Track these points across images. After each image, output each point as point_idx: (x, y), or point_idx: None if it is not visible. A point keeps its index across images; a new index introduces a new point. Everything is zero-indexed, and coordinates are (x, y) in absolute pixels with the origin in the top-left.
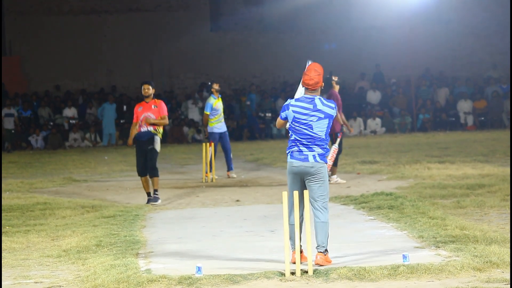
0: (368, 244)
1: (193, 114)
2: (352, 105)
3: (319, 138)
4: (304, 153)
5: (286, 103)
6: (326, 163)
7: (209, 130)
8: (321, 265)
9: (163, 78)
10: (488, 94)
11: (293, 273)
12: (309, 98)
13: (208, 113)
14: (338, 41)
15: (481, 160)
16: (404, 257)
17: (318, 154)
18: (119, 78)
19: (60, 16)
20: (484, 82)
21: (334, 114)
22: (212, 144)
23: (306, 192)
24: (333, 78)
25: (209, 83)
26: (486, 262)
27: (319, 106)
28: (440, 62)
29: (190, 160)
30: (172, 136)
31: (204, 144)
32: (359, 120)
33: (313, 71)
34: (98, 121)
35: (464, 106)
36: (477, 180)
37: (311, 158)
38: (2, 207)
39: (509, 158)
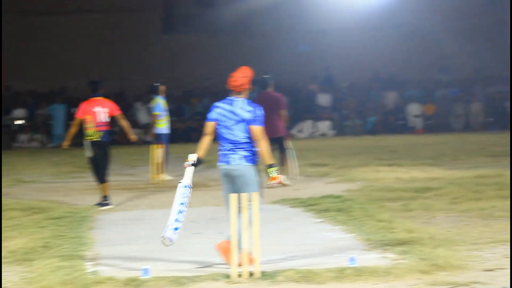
0: (315, 247)
1: (142, 115)
2: (302, 108)
3: (241, 141)
4: (229, 155)
5: (213, 105)
6: (254, 164)
7: (157, 131)
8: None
9: (114, 80)
10: (437, 98)
11: (240, 275)
12: (232, 100)
13: (158, 113)
14: (290, 44)
15: (429, 164)
16: (351, 259)
17: (243, 156)
18: (69, 79)
19: (11, 16)
20: (434, 85)
21: (251, 118)
22: (163, 145)
23: (243, 194)
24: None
25: (156, 85)
26: (433, 265)
27: (237, 109)
28: (391, 65)
29: (139, 161)
30: (123, 137)
31: (152, 145)
32: (309, 122)
33: (240, 73)
34: (47, 122)
35: (413, 109)
36: (425, 183)
37: (235, 161)
38: None
39: (456, 162)
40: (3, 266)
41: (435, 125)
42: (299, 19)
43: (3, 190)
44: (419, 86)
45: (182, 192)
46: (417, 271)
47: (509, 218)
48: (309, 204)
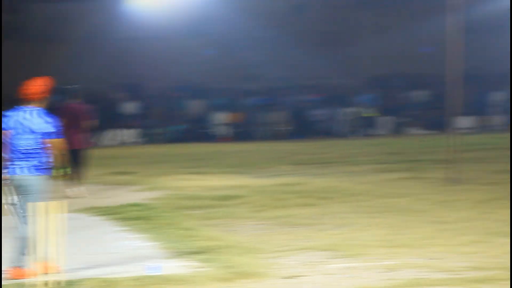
0: (119, 255)
1: None
2: (109, 116)
3: (32, 151)
4: (18, 165)
5: (6, 113)
6: (44, 174)
7: None
8: (15, 278)
9: None
10: (244, 106)
11: (46, 284)
12: (26, 110)
13: None
14: (95, 52)
15: (235, 172)
16: (154, 268)
17: (32, 166)
18: None
19: None
20: (241, 94)
21: (45, 129)
22: None
23: (34, 204)
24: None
25: None
26: (235, 273)
27: (30, 118)
28: (198, 74)
29: None
30: None
31: None
32: (117, 131)
33: (35, 82)
34: None
35: (220, 117)
36: (229, 191)
37: (25, 171)
38: None
39: (260, 170)
40: None
41: (242, 133)
42: (110, 27)
43: None
44: (226, 94)
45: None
46: (219, 279)
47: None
48: (114, 213)
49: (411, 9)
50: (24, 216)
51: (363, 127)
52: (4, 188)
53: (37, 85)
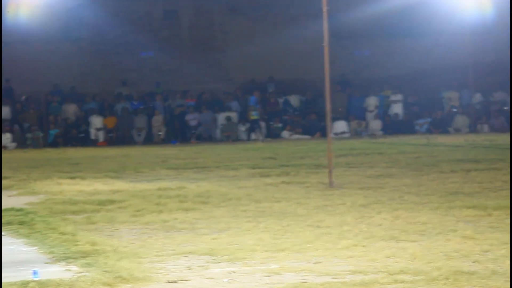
0: None
1: None
2: None
3: None
4: None
5: None
6: None
7: None
8: None
9: None
10: (118, 111)
11: None
12: None
13: None
14: None
15: (112, 176)
16: (35, 273)
17: None
18: None
19: None
20: (114, 98)
21: None
22: None
23: None
24: None
25: None
26: (116, 277)
27: None
28: (71, 78)
29: None
30: None
31: None
32: None
33: None
34: None
35: (95, 122)
36: (108, 195)
37: None
38: None
39: (138, 174)
40: None
41: (117, 138)
42: None
43: None
44: (99, 99)
45: None
46: (101, 284)
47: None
48: None
49: (283, 15)
50: None
51: (248, 131)
52: None
53: None
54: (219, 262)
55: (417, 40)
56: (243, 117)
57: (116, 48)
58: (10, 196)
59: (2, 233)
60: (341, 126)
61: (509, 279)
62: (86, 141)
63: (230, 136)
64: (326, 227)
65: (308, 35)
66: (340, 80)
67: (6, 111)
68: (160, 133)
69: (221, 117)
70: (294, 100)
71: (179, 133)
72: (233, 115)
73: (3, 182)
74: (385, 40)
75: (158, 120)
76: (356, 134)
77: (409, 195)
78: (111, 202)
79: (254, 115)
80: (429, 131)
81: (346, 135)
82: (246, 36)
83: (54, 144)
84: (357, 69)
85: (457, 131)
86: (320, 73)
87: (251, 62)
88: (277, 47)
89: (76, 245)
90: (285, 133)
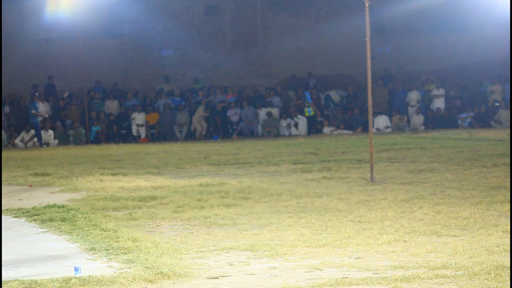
0: (40, 257)
1: None
2: (24, 118)
3: None
4: None
5: None
6: None
7: None
8: None
9: None
10: (160, 107)
11: None
12: None
13: None
14: (9, 53)
15: (154, 172)
16: (76, 269)
17: None
18: None
19: None
20: (156, 95)
21: None
22: None
23: None
24: None
25: None
26: (157, 274)
27: None
28: (113, 74)
29: None
30: None
31: None
32: (32, 131)
33: None
34: None
35: (137, 118)
36: (149, 192)
37: None
38: None
39: (180, 170)
40: None
41: (159, 134)
42: (22, 28)
43: None
44: (141, 95)
45: None
46: (142, 280)
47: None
48: (33, 214)
49: (325, 9)
50: None
51: (304, 127)
52: None
53: None
54: (260, 258)
55: (459, 34)
56: (285, 112)
57: (158, 44)
58: (52, 192)
59: (45, 230)
60: (383, 121)
61: (430, 278)
62: (128, 137)
63: (271, 132)
64: (367, 222)
65: (349, 30)
66: (382, 74)
67: (48, 107)
68: (202, 129)
69: (262, 113)
70: (335, 95)
71: (220, 129)
72: (275, 111)
73: (46, 178)
74: (428, 35)
75: (200, 116)
76: (398, 129)
77: (451, 190)
78: (153, 198)
79: (309, 112)
80: (471, 126)
81: (388, 130)
82: (288, 31)
83: (96, 140)
84: (399, 63)
85: (500, 125)
86: (362, 68)
87: (292, 57)
88: (318, 42)
89: (117, 241)
90: (326, 129)
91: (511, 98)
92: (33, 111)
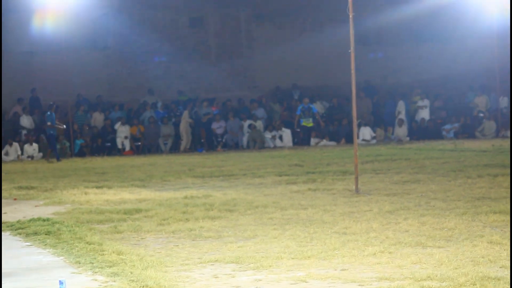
0: (25, 270)
1: None
2: (8, 131)
3: None
4: None
5: None
6: None
7: None
8: None
9: None
10: (145, 119)
11: None
12: None
13: None
14: None
15: (138, 185)
16: (61, 283)
17: None
18: None
19: None
20: (140, 107)
21: None
22: None
23: None
24: None
25: None
26: (142, 287)
27: None
28: (97, 87)
29: None
30: None
31: None
32: (16, 145)
33: None
34: None
35: (122, 131)
36: (134, 205)
37: None
38: None
39: (165, 183)
40: None
41: (144, 146)
42: (5, 41)
43: None
44: (125, 107)
45: None
46: None
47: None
48: (18, 228)
49: (310, 21)
50: None
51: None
52: None
53: None
54: (245, 270)
55: (444, 45)
56: (269, 124)
57: (142, 57)
58: (37, 206)
59: (30, 243)
60: (367, 132)
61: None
62: (112, 150)
63: (256, 144)
64: (352, 234)
65: (334, 41)
66: (365, 86)
67: (31, 121)
68: (185, 141)
69: (247, 125)
70: (319, 106)
71: (205, 141)
72: (258, 123)
73: (30, 192)
74: (412, 45)
75: (184, 128)
76: (382, 140)
77: (436, 201)
78: (138, 211)
79: (313, 122)
80: (456, 136)
81: (373, 141)
82: (272, 43)
83: (80, 153)
84: (383, 74)
85: (484, 136)
86: (346, 79)
87: (277, 68)
88: (302, 53)
89: (102, 254)
90: (311, 140)
91: (511, 106)
92: (49, 123)
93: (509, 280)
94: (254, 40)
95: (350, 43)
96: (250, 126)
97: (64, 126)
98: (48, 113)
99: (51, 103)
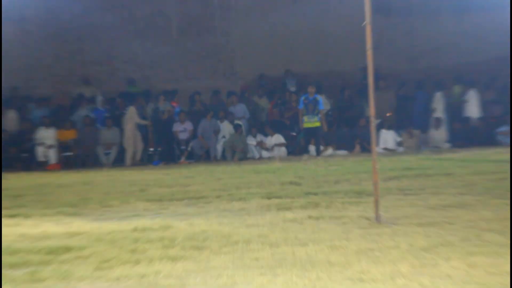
0: None
1: None
2: None
3: None
4: None
5: None
6: None
7: None
8: None
9: None
10: (78, 120)
11: None
12: None
13: None
14: None
15: (68, 213)
16: None
17: None
18: None
19: None
20: (72, 103)
21: None
22: None
23: None
24: None
25: None
26: None
27: None
28: (11, 75)
29: None
30: None
31: None
32: None
33: None
34: None
35: (45, 136)
36: (62, 241)
37: None
38: None
39: (106, 209)
40: None
41: (77, 158)
42: None
43: None
44: (51, 103)
45: None
46: None
47: None
48: None
49: None
50: None
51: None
52: None
53: None
54: None
55: (497, 13)
56: (253, 126)
57: (75, 33)
58: None
59: None
60: (390, 137)
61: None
62: (31, 163)
63: (235, 154)
64: (371, 280)
65: (342, 10)
66: (386, 72)
67: None
68: (138, 149)
69: (224, 127)
70: (324, 101)
71: (163, 149)
72: (240, 124)
73: None
74: (452, 15)
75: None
76: (412, 147)
77: (490, 234)
78: (67, 250)
79: (312, 121)
80: None
81: (398, 149)
82: (257, 13)
83: None
84: (412, 56)
85: None
86: (359, 63)
87: (262, 49)
88: (298, 28)
89: None
90: (312, 148)
91: (511, 109)
92: None
93: None
94: (232, 10)
95: (365, 13)
96: (236, 128)
97: None
98: None
99: None
